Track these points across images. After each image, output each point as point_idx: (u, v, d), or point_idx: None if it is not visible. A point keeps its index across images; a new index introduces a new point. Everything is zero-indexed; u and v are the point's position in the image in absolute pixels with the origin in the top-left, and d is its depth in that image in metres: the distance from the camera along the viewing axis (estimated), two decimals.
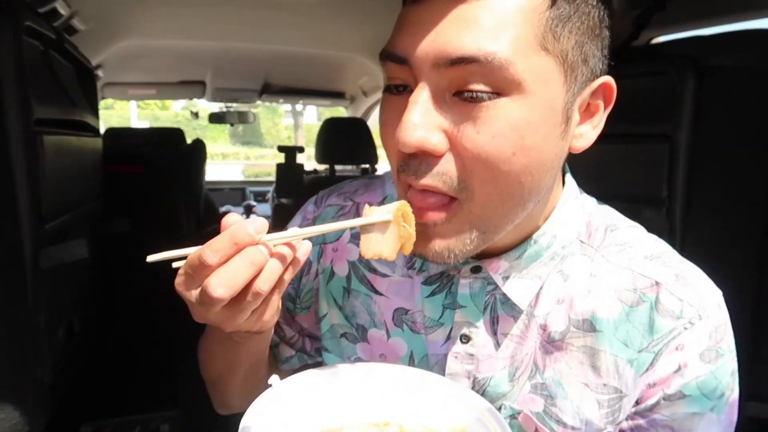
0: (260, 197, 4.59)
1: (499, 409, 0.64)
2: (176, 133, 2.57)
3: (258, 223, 0.49)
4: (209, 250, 0.48)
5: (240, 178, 9.30)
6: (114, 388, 1.57)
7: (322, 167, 2.83)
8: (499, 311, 0.65)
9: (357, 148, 2.66)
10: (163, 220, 1.54)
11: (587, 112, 0.58)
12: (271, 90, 3.45)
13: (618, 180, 1.22)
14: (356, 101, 3.68)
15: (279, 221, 2.69)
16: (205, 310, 0.50)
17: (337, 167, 2.75)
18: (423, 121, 0.51)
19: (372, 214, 0.54)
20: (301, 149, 2.69)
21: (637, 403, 0.63)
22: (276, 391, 0.53)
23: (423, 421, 0.57)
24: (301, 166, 2.66)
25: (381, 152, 2.88)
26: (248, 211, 4.01)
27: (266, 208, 4.22)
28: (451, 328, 0.66)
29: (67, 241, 0.96)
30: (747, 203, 1.13)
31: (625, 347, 0.61)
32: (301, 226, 0.77)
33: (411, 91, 0.53)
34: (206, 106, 4.90)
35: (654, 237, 0.68)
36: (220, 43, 2.71)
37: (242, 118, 4.09)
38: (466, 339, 0.65)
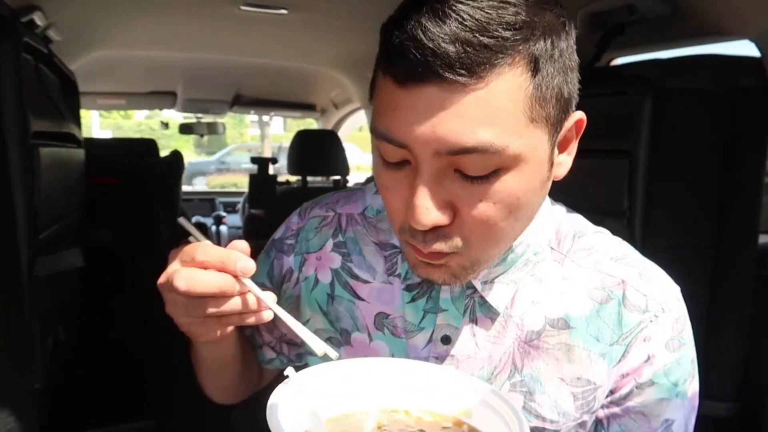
0: (230, 208, 4.57)
1: None
2: (150, 144, 2.58)
3: (248, 265, 0.55)
4: (201, 251, 0.55)
5: (205, 188, 9.20)
6: (95, 396, 1.56)
7: (294, 178, 2.86)
8: (477, 313, 0.69)
9: (329, 160, 2.70)
10: (143, 231, 1.55)
11: (564, 143, 0.62)
12: (242, 101, 3.48)
13: (583, 193, 1.29)
14: (327, 113, 3.73)
15: (251, 232, 2.70)
16: (167, 299, 0.58)
17: (309, 178, 2.78)
18: (433, 203, 0.54)
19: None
20: (274, 160, 2.71)
21: (612, 392, 0.69)
22: (292, 381, 0.56)
23: (429, 407, 0.60)
24: (275, 177, 2.69)
25: (352, 163, 2.93)
26: (218, 222, 3.98)
27: (236, 219, 4.20)
28: (433, 331, 0.70)
29: (57, 250, 0.97)
30: (700, 215, 1.22)
31: (596, 342, 0.67)
32: (284, 237, 0.81)
33: (409, 164, 0.56)
34: (172, 116, 4.86)
35: (618, 240, 0.74)
36: (193, 55, 2.72)
37: (211, 129, 4.09)
38: (446, 340, 0.70)
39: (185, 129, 3.99)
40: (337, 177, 2.79)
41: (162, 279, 0.57)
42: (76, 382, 1.39)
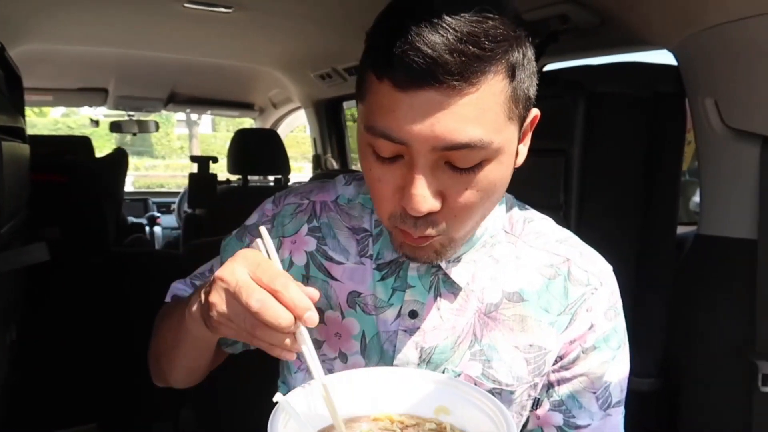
0: (164, 208, 4.45)
1: (443, 372, 0.76)
2: (85, 142, 2.49)
3: (314, 317, 0.56)
4: (281, 282, 0.56)
5: (130, 189, 8.86)
6: (39, 397, 1.51)
7: (234, 177, 2.83)
8: (441, 289, 0.77)
9: (270, 159, 2.69)
10: (92, 229, 1.51)
11: (522, 135, 0.69)
12: (177, 99, 3.41)
13: (523, 188, 1.39)
14: (265, 113, 3.71)
15: (190, 233, 2.66)
16: (226, 299, 0.58)
17: (250, 178, 2.76)
18: (428, 191, 0.60)
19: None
20: (215, 159, 2.68)
21: (561, 358, 0.78)
22: (283, 404, 0.59)
23: (409, 410, 0.65)
24: (215, 176, 2.65)
25: (293, 164, 2.93)
26: (152, 223, 3.88)
27: (171, 219, 4.10)
28: (401, 307, 0.76)
29: (11, 247, 0.95)
30: (627, 209, 1.34)
31: (546, 313, 0.77)
32: (259, 222, 0.85)
33: (402, 158, 0.62)
34: (92, 113, 4.63)
35: (560, 226, 0.84)
36: (126, 51, 2.65)
37: (143, 127, 3.97)
38: (413, 315, 0.76)
39: (115, 127, 3.86)
40: (279, 176, 2.79)
41: (231, 283, 0.57)
42: (22, 383, 1.35)
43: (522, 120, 0.65)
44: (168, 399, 1.70)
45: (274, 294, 0.56)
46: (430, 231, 0.65)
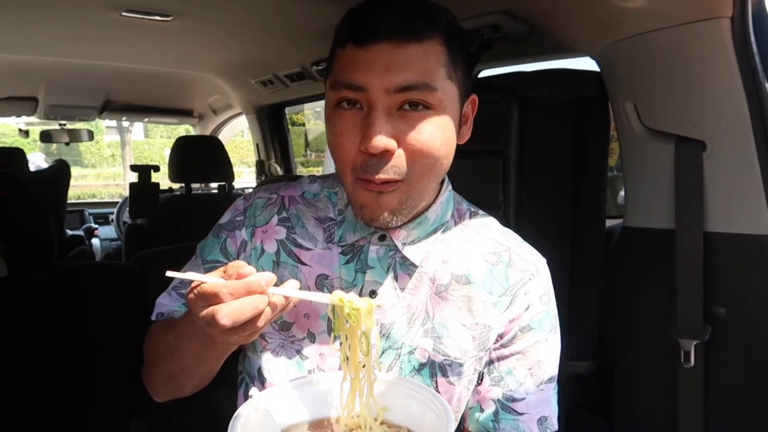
0: (101, 219, 4.30)
1: (401, 347, 0.84)
2: (19, 153, 2.40)
3: (269, 277, 0.62)
4: (226, 291, 0.61)
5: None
6: None
7: (176, 186, 2.79)
8: (398, 270, 0.85)
9: (213, 166, 2.67)
10: (36, 243, 1.47)
11: (465, 117, 0.83)
12: (112, 107, 3.32)
13: (466, 189, 1.46)
14: (205, 119, 3.66)
15: (133, 243, 2.61)
16: (210, 332, 0.63)
17: (194, 185, 2.72)
18: (384, 129, 0.72)
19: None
20: (156, 168, 2.63)
21: (501, 336, 0.87)
22: (256, 400, 0.64)
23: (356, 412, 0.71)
24: (157, 184, 2.60)
25: (236, 170, 2.91)
26: (89, 234, 3.75)
27: (109, 230, 3.97)
28: (362, 286, 0.84)
29: None
30: (560, 205, 1.44)
31: (490, 294, 0.86)
32: (234, 217, 0.91)
33: (361, 107, 0.74)
34: (10, 122, 4.43)
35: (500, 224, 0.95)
36: (58, 59, 2.56)
37: (75, 136, 3.84)
38: (373, 294, 0.84)
39: (45, 137, 3.71)
40: (223, 183, 2.77)
41: (202, 319, 0.62)
42: None
43: (462, 87, 0.78)
44: (118, 412, 1.67)
45: (232, 299, 0.61)
46: (390, 174, 0.74)
